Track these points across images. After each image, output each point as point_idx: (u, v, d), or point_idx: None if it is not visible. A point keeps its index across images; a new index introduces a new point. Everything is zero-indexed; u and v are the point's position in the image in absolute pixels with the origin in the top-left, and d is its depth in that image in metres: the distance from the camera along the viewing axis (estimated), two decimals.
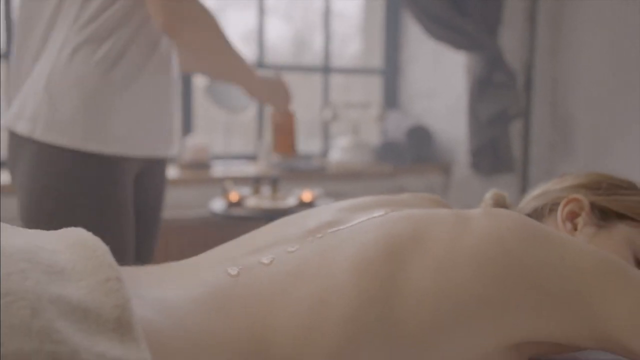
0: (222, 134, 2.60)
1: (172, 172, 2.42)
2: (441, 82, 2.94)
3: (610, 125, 2.61)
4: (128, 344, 0.43)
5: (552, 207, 0.86)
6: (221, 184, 2.22)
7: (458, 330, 0.60)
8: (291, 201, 2.04)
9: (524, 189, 2.76)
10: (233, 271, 0.61)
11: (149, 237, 1.35)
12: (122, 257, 1.13)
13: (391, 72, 3.17)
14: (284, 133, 2.04)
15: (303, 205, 2.03)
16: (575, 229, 0.83)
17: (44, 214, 1.11)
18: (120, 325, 0.43)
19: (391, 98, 3.18)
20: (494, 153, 2.69)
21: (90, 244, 0.51)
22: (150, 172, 1.31)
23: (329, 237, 0.66)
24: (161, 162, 1.36)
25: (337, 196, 2.33)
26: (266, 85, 1.44)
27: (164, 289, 0.57)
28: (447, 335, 0.59)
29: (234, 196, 2.05)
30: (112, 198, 1.15)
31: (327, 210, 0.75)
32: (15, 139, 1.16)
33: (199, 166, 2.48)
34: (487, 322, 0.61)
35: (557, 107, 2.86)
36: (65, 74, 1.12)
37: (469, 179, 2.80)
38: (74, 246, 0.51)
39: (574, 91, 2.78)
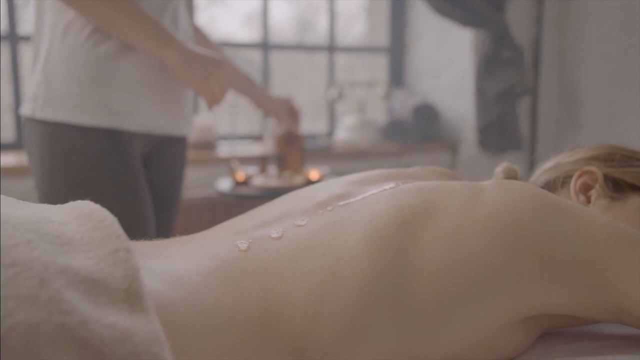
0: (228, 114, 2.58)
1: None
2: (447, 59, 2.92)
3: (619, 101, 2.59)
4: (137, 315, 0.42)
5: (565, 180, 0.85)
6: (227, 164, 2.21)
7: (471, 302, 0.59)
8: (298, 180, 2.03)
9: (531, 166, 2.74)
10: (243, 245, 0.60)
11: (166, 218, 1.32)
12: (142, 228, 1.13)
13: (397, 50, 3.15)
14: (292, 154, 2.08)
15: (310, 185, 2.02)
16: (588, 201, 0.81)
17: (57, 192, 1.11)
18: (129, 296, 0.42)
19: (397, 76, 3.16)
20: (501, 130, 2.67)
21: (98, 215, 0.50)
22: (162, 151, 1.28)
23: (340, 210, 0.65)
24: (176, 141, 1.32)
25: (344, 175, 2.32)
26: (192, 60, 1.14)
27: (173, 262, 0.56)
28: (460, 307, 0.59)
29: (240, 176, 2.04)
30: (122, 170, 1.13)
31: (336, 183, 0.74)
32: (23, 123, 1.17)
33: (204, 146, 2.47)
34: (500, 293, 0.60)
35: (565, 83, 2.83)
36: (59, 51, 1.12)
37: (476, 156, 2.78)
38: (82, 217, 0.50)
39: (582, 67, 2.75)
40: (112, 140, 1.13)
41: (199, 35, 1.48)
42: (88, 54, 1.11)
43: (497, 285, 0.60)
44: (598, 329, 0.73)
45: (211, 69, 1.15)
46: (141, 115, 1.17)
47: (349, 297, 0.56)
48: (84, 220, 0.50)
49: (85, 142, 1.11)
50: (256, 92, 1.59)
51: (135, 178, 1.16)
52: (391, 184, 0.71)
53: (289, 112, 1.68)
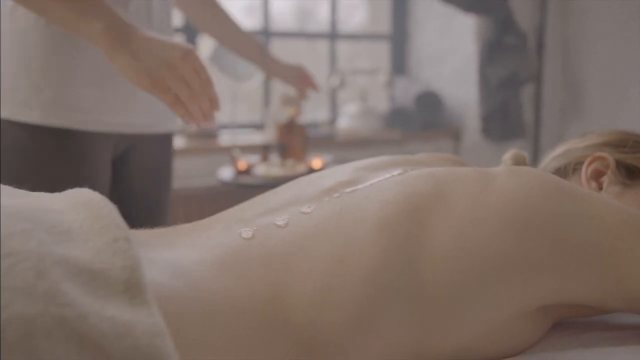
0: (228, 103, 2.56)
1: (178, 141, 2.40)
2: (450, 46, 2.89)
3: (624, 88, 2.57)
4: (138, 307, 0.40)
5: (576, 166, 0.83)
6: (229, 153, 2.19)
7: (482, 291, 0.57)
8: (301, 168, 2.01)
9: (535, 154, 2.73)
10: (247, 233, 0.58)
11: (153, 219, 1.13)
12: None
13: (399, 37, 3.12)
14: (295, 142, 2.06)
15: (312, 173, 2.01)
16: (600, 188, 0.80)
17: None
18: (129, 287, 0.41)
19: (399, 64, 3.13)
20: (505, 118, 2.65)
21: (97, 203, 0.48)
22: (140, 151, 1.09)
23: (346, 197, 0.63)
24: (158, 139, 1.12)
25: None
26: (137, 47, 0.83)
27: (175, 251, 0.55)
28: (470, 296, 0.57)
29: (242, 164, 2.03)
30: (67, 178, 0.93)
31: (343, 169, 0.72)
32: None
33: (206, 135, 2.45)
34: (512, 282, 0.58)
35: (569, 70, 2.81)
36: (6, 35, 0.94)
37: (479, 144, 2.76)
38: (80, 206, 0.48)
39: (587, 54, 2.73)
40: (62, 142, 0.94)
41: (233, 28, 1.34)
42: (39, 37, 0.92)
43: (509, 274, 0.58)
44: (610, 319, 0.72)
45: (166, 61, 0.82)
46: (107, 112, 0.98)
47: (357, 286, 0.54)
48: (82, 208, 0.48)
49: (28, 143, 0.93)
50: (267, 59, 1.43)
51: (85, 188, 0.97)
52: (399, 170, 0.69)
53: (302, 78, 1.52)
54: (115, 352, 0.37)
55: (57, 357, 0.36)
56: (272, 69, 1.46)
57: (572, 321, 0.71)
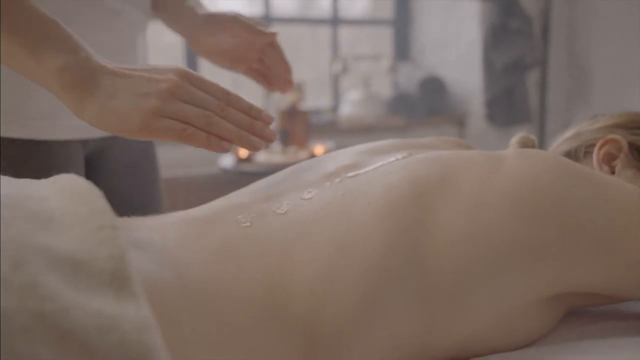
0: (229, 89, 2.52)
1: None
2: (454, 31, 2.86)
3: (630, 73, 2.53)
4: (125, 300, 0.37)
5: (587, 150, 0.80)
6: None
7: (491, 279, 0.54)
8: (303, 155, 1.98)
9: (541, 140, 2.69)
10: (244, 220, 0.55)
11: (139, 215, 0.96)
12: None
13: (402, 22, 3.08)
14: (297, 129, 2.02)
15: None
16: (612, 171, 0.76)
17: None
18: (116, 278, 0.38)
19: (402, 49, 3.10)
20: (510, 103, 2.63)
21: (82, 189, 0.45)
22: (115, 145, 0.97)
23: (349, 182, 0.60)
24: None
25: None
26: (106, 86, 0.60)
27: (167, 239, 0.52)
28: (479, 285, 0.54)
29: (243, 152, 2.00)
30: None
31: (345, 153, 0.69)
32: None
33: None
34: (522, 270, 0.55)
35: (575, 54, 2.78)
36: None
37: (484, 130, 2.74)
38: (64, 192, 0.45)
39: (593, 38, 2.70)
40: (28, 153, 0.84)
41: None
42: None
43: (519, 261, 0.55)
44: (625, 307, 0.69)
45: (155, 88, 0.58)
46: (69, 117, 0.76)
47: (360, 274, 0.51)
48: (67, 194, 0.45)
49: None
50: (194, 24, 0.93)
51: None
52: (403, 154, 0.66)
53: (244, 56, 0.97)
54: (99, 349, 0.34)
55: (37, 355, 0.33)
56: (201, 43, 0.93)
57: (584, 310, 0.68)
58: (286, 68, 0.93)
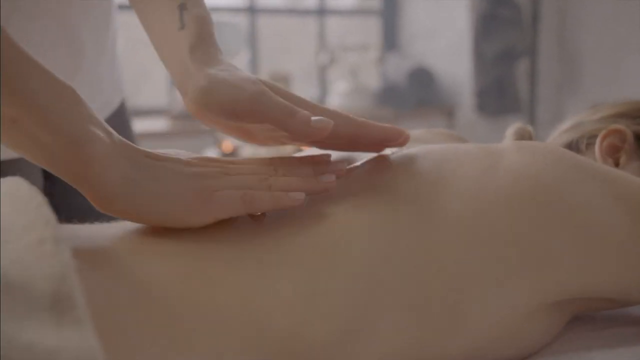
0: None
1: (162, 124, 2.34)
2: (443, 20, 2.84)
3: (621, 62, 2.52)
4: (68, 328, 0.31)
5: (589, 141, 0.75)
6: (213, 135, 2.12)
7: (492, 286, 0.50)
8: (289, 149, 1.93)
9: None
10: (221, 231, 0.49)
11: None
12: None
13: (390, 12, 3.06)
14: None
15: (299, 153, 1.94)
16: (616, 164, 0.72)
17: None
18: (57, 302, 0.32)
19: (390, 39, 3.07)
20: (500, 93, 2.61)
21: (23, 195, 0.39)
22: None
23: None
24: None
25: None
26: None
27: (129, 250, 0.45)
28: (480, 293, 0.49)
29: (227, 146, 1.95)
30: None
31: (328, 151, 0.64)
32: None
33: (188, 116, 2.37)
34: (527, 274, 0.51)
35: (565, 43, 2.76)
36: None
37: (474, 121, 2.72)
38: (4, 199, 0.39)
39: (583, 27, 2.68)
40: None
41: None
42: None
43: (523, 264, 0.50)
44: (634, 311, 0.64)
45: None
46: None
47: (348, 286, 0.46)
48: (7, 201, 0.39)
49: None
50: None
51: None
52: (391, 150, 0.60)
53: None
54: None
55: None
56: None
57: (590, 315, 0.64)
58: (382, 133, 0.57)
